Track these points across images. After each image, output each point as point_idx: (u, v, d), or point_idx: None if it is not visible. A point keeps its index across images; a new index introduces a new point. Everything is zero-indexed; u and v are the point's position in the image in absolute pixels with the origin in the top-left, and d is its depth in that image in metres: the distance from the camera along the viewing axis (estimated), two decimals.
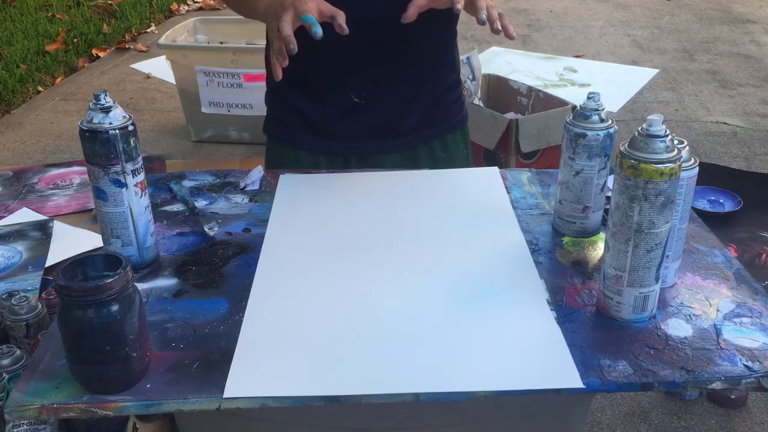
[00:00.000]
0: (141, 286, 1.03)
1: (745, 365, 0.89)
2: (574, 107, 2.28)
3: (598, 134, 1.10)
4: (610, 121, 1.11)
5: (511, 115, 2.78)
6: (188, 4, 6.09)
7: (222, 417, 0.97)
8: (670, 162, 0.89)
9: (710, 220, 1.62)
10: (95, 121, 1.00)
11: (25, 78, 4.22)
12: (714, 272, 1.08)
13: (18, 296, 1.52)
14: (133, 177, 1.03)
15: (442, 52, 1.44)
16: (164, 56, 3.56)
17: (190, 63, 3.32)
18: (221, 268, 1.09)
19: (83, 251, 1.83)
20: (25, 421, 1.27)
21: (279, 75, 1.14)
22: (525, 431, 1.11)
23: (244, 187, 1.33)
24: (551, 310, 0.99)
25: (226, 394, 0.84)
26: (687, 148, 0.98)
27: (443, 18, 1.25)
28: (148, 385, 0.86)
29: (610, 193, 0.99)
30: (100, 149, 1.00)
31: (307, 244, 1.15)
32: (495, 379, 0.86)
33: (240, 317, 0.98)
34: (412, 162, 1.46)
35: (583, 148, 1.11)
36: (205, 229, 1.19)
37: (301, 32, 1.37)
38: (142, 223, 1.06)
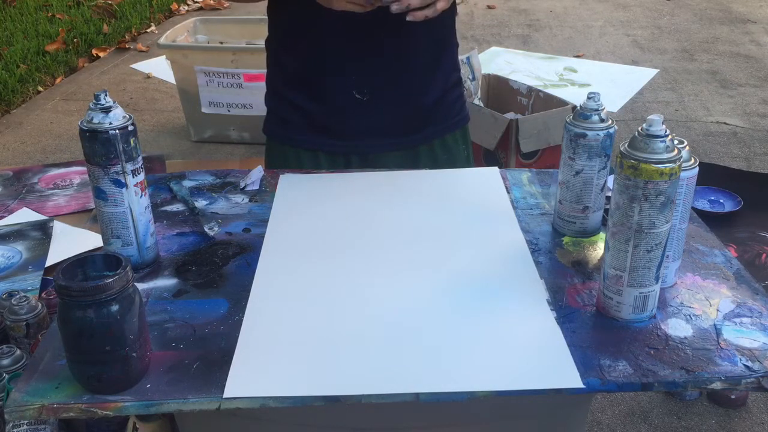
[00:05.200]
0: (141, 286, 1.03)
1: (745, 365, 0.89)
2: (574, 107, 2.28)
3: (598, 134, 1.10)
4: (610, 121, 1.11)
5: (511, 115, 2.78)
6: (188, 4, 6.09)
7: (222, 417, 0.97)
8: (670, 162, 0.89)
9: (710, 220, 1.62)
10: (95, 121, 1.00)
11: (25, 78, 4.22)
12: (714, 272, 1.08)
13: (18, 296, 1.52)
14: (133, 177, 1.03)
15: (443, 51, 1.44)
16: (164, 56, 3.56)
17: (190, 63, 3.32)
18: (221, 268, 1.09)
19: (83, 251, 1.83)
20: (25, 421, 1.27)
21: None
22: (525, 431, 1.10)
23: (244, 187, 1.33)
24: (551, 310, 0.99)
25: (226, 394, 0.84)
26: (687, 148, 0.98)
27: (442, 17, 1.25)
28: (148, 385, 0.86)
29: (610, 193, 0.99)
30: (100, 149, 1.00)
31: (307, 244, 1.15)
32: (495, 379, 0.86)
33: (240, 317, 0.98)
34: (412, 162, 1.46)
35: (583, 148, 1.11)
36: (205, 229, 1.19)
37: (304, 29, 1.37)
38: (142, 223, 1.06)
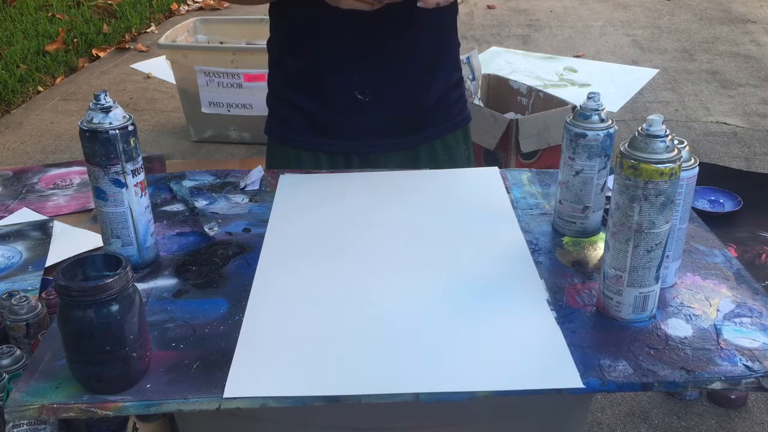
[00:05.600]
0: (141, 286, 1.03)
1: (745, 365, 0.89)
2: (574, 107, 2.28)
3: (598, 134, 1.10)
4: (610, 121, 1.11)
5: (511, 115, 2.78)
6: (188, 4, 6.09)
7: (222, 417, 0.97)
8: (670, 162, 0.89)
9: (710, 220, 1.62)
10: (95, 121, 1.00)
11: (25, 78, 4.22)
12: (714, 272, 1.08)
13: (18, 296, 1.52)
14: (133, 177, 1.03)
15: (444, 51, 1.44)
16: (164, 56, 3.56)
17: (190, 63, 3.32)
18: (221, 268, 1.09)
19: (83, 251, 1.83)
20: (25, 421, 1.27)
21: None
22: (525, 431, 1.10)
23: (244, 187, 1.33)
24: (551, 310, 0.99)
25: (226, 394, 0.84)
26: (687, 148, 0.98)
27: (444, 16, 1.25)
28: (148, 385, 0.86)
29: (610, 193, 0.99)
30: (100, 149, 1.00)
31: (307, 244, 1.15)
32: (495, 379, 0.86)
33: (240, 317, 0.98)
34: (413, 162, 1.46)
35: (583, 148, 1.11)
36: (205, 229, 1.19)
37: (306, 29, 1.37)
38: (142, 223, 1.06)
